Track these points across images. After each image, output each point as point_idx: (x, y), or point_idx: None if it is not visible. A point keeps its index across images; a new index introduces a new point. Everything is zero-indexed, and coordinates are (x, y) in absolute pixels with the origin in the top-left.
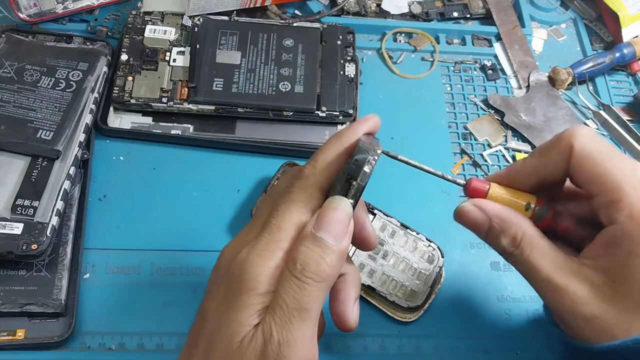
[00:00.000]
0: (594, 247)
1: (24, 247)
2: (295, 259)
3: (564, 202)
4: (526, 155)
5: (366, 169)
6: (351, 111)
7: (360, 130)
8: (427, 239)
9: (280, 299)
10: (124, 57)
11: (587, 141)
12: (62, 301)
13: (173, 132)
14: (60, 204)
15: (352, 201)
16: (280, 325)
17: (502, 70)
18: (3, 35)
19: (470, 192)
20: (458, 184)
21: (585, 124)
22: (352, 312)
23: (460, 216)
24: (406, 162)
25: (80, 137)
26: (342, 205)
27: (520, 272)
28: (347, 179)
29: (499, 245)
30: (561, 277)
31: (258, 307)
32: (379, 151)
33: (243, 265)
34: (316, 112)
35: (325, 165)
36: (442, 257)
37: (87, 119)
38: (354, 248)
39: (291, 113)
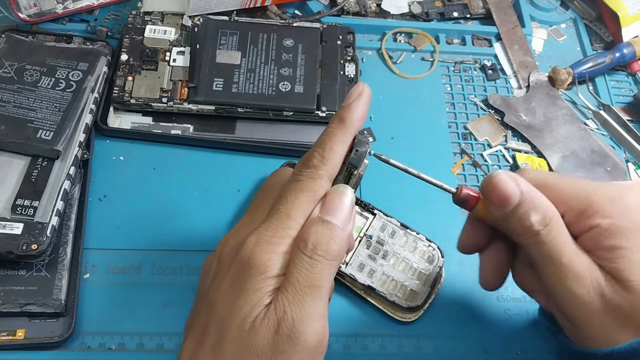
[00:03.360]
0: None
1: (24, 247)
2: (307, 240)
3: None
4: (527, 155)
5: (366, 160)
6: None
7: (362, 110)
8: (427, 239)
9: (292, 277)
10: (124, 57)
11: (534, 175)
12: (62, 301)
13: (173, 132)
14: (60, 204)
15: (353, 190)
16: (293, 302)
17: (502, 70)
18: (3, 35)
19: (462, 199)
20: (448, 191)
21: (586, 124)
22: None
23: (492, 185)
24: (395, 166)
25: (80, 137)
26: (347, 193)
27: (537, 255)
28: (348, 168)
29: (527, 221)
30: (583, 265)
31: (269, 289)
32: (371, 140)
33: (252, 250)
34: (316, 112)
35: (333, 156)
36: (442, 257)
37: (87, 119)
38: (354, 248)
39: (291, 113)
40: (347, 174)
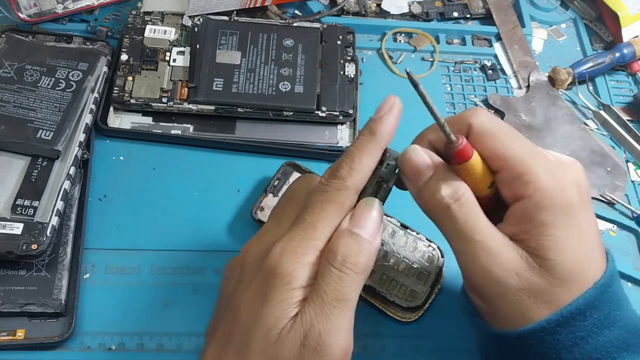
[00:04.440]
0: (509, 225)
1: (24, 247)
2: (335, 252)
3: None
4: None
5: (397, 172)
6: (351, 111)
7: (393, 123)
8: (427, 239)
9: (320, 289)
10: (124, 57)
11: (485, 120)
12: (62, 301)
13: (173, 132)
14: (60, 204)
15: (382, 202)
16: (321, 315)
17: (502, 70)
18: (3, 35)
19: (459, 150)
20: (450, 139)
21: (586, 124)
22: None
23: (406, 159)
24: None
25: (80, 137)
26: (376, 206)
27: (449, 231)
28: (378, 181)
29: (437, 194)
30: (496, 242)
31: (294, 300)
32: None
33: (278, 260)
34: (316, 112)
35: (362, 168)
36: (442, 257)
37: (87, 119)
38: None
39: (291, 113)
40: (377, 186)
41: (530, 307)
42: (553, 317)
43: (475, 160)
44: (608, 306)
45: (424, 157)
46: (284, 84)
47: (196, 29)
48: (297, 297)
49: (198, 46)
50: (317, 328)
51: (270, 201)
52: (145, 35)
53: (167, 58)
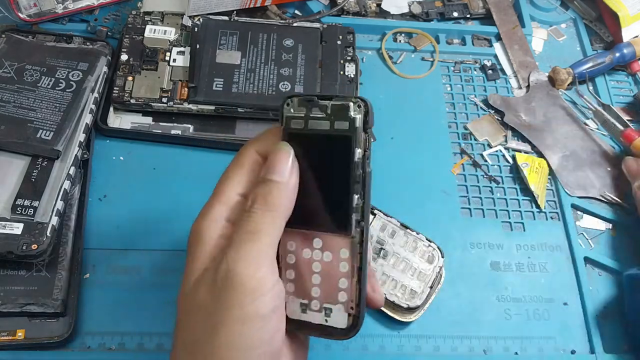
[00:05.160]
0: None
1: (24, 247)
2: (248, 199)
3: None
4: (527, 155)
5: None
6: None
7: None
8: (427, 239)
9: (234, 231)
10: (124, 57)
11: None
12: (62, 301)
13: (173, 132)
14: (60, 204)
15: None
16: (231, 247)
17: (502, 70)
18: (3, 35)
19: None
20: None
21: (586, 124)
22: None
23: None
24: None
25: (80, 137)
26: (280, 148)
27: None
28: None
29: None
30: None
31: (207, 253)
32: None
33: (194, 225)
34: None
35: (263, 134)
36: (442, 257)
37: (87, 119)
38: None
39: None
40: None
41: None
42: None
43: None
44: None
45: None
46: (284, 84)
47: (196, 29)
48: (209, 250)
49: (198, 46)
50: (226, 260)
51: None
52: (145, 35)
53: (167, 58)
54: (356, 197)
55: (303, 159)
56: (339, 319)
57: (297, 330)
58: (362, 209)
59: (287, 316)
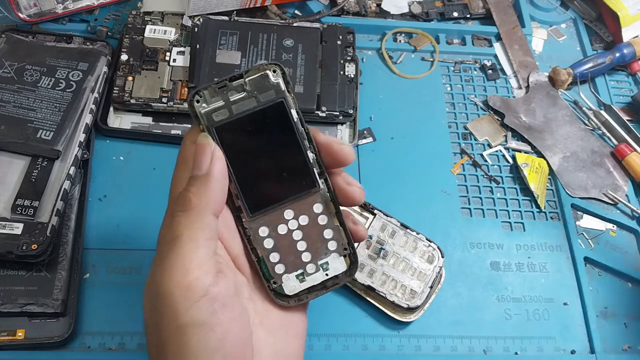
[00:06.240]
0: None
1: (24, 247)
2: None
3: None
4: (527, 155)
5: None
6: (351, 111)
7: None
8: (427, 239)
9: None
10: (124, 57)
11: None
12: (62, 301)
13: (173, 132)
14: (60, 204)
15: (209, 130)
16: (155, 260)
17: (502, 70)
18: (3, 35)
19: None
20: None
21: (586, 124)
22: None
23: None
24: None
25: (80, 137)
26: (198, 140)
27: None
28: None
29: None
30: None
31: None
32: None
33: None
34: (316, 112)
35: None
36: (442, 257)
37: (87, 119)
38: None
39: None
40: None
41: None
42: None
43: None
44: None
45: None
46: None
47: (196, 29)
48: None
49: (198, 46)
50: (152, 274)
51: None
52: (145, 35)
53: (167, 58)
54: (309, 153)
55: (241, 143)
56: (338, 265)
57: (302, 301)
58: (317, 161)
59: (287, 294)
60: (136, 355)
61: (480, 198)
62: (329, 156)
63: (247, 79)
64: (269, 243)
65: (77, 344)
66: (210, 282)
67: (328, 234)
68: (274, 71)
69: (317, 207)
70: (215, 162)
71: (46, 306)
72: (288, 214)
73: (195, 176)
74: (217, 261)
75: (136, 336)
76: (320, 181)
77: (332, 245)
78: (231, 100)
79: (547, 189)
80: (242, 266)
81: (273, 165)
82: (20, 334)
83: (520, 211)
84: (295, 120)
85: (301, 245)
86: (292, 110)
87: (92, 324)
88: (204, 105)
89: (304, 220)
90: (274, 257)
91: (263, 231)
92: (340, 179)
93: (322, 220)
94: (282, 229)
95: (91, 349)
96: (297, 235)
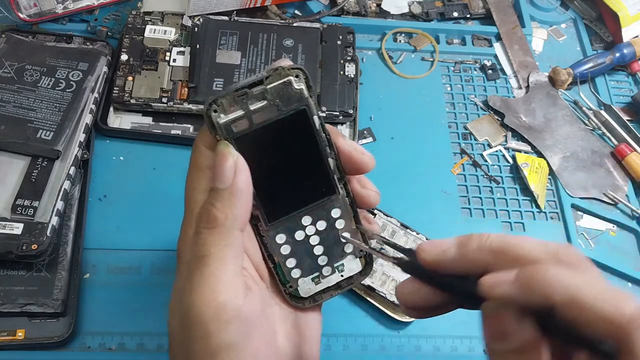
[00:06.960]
0: None
1: (24, 247)
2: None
3: None
4: (527, 155)
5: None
6: (351, 111)
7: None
8: (427, 239)
9: (182, 260)
10: (124, 57)
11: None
12: (62, 301)
13: (173, 132)
14: (60, 204)
15: (228, 141)
16: (182, 278)
17: (502, 70)
18: (3, 35)
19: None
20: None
21: (586, 124)
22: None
23: None
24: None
25: (80, 137)
26: (218, 150)
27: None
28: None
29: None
30: None
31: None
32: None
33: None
34: None
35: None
36: None
37: (87, 119)
38: None
39: None
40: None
41: None
42: None
43: None
44: None
45: None
46: None
47: (196, 29)
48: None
49: (198, 46)
50: (179, 294)
51: None
52: (145, 35)
53: (167, 58)
54: (330, 160)
55: (261, 153)
56: (353, 266)
57: (317, 302)
58: (337, 166)
59: (302, 296)
60: (136, 355)
61: (480, 198)
62: (349, 164)
63: (268, 87)
64: (286, 249)
65: (77, 344)
66: (241, 301)
67: (345, 237)
68: (297, 76)
69: (335, 212)
70: (239, 174)
71: (46, 306)
72: (306, 220)
73: (218, 189)
74: (244, 276)
75: (136, 336)
76: (339, 186)
77: (348, 248)
78: (251, 109)
79: (547, 189)
80: (264, 274)
81: (293, 174)
82: (20, 334)
83: (520, 211)
84: (317, 127)
85: (318, 250)
86: (314, 117)
87: (92, 324)
88: (222, 115)
89: (321, 225)
90: (291, 262)
91: (280, 238)
92: (356, 181)
93: (340, 224)
94: (299, 235)
95: (91, 349)
96: (314, 240)
